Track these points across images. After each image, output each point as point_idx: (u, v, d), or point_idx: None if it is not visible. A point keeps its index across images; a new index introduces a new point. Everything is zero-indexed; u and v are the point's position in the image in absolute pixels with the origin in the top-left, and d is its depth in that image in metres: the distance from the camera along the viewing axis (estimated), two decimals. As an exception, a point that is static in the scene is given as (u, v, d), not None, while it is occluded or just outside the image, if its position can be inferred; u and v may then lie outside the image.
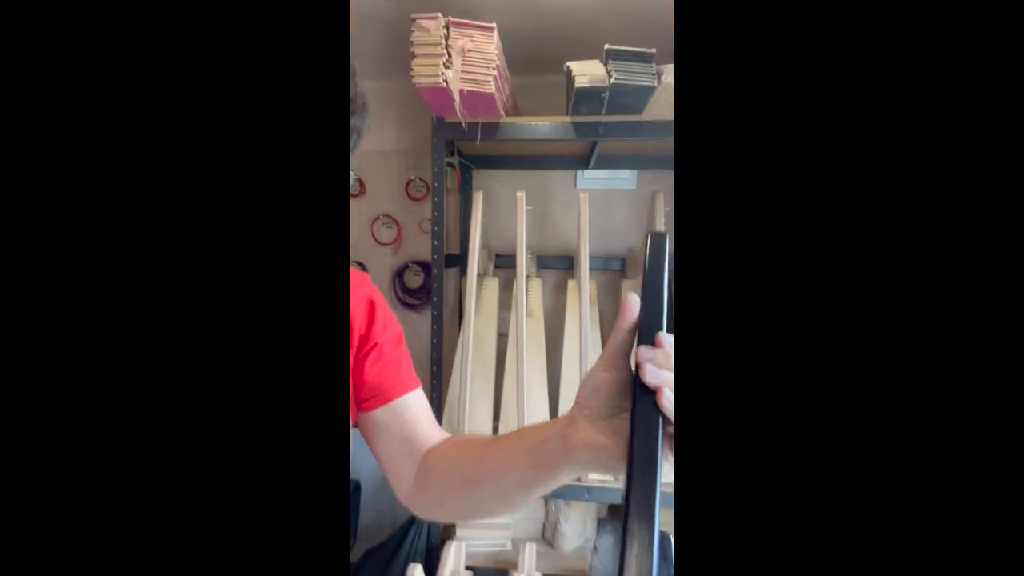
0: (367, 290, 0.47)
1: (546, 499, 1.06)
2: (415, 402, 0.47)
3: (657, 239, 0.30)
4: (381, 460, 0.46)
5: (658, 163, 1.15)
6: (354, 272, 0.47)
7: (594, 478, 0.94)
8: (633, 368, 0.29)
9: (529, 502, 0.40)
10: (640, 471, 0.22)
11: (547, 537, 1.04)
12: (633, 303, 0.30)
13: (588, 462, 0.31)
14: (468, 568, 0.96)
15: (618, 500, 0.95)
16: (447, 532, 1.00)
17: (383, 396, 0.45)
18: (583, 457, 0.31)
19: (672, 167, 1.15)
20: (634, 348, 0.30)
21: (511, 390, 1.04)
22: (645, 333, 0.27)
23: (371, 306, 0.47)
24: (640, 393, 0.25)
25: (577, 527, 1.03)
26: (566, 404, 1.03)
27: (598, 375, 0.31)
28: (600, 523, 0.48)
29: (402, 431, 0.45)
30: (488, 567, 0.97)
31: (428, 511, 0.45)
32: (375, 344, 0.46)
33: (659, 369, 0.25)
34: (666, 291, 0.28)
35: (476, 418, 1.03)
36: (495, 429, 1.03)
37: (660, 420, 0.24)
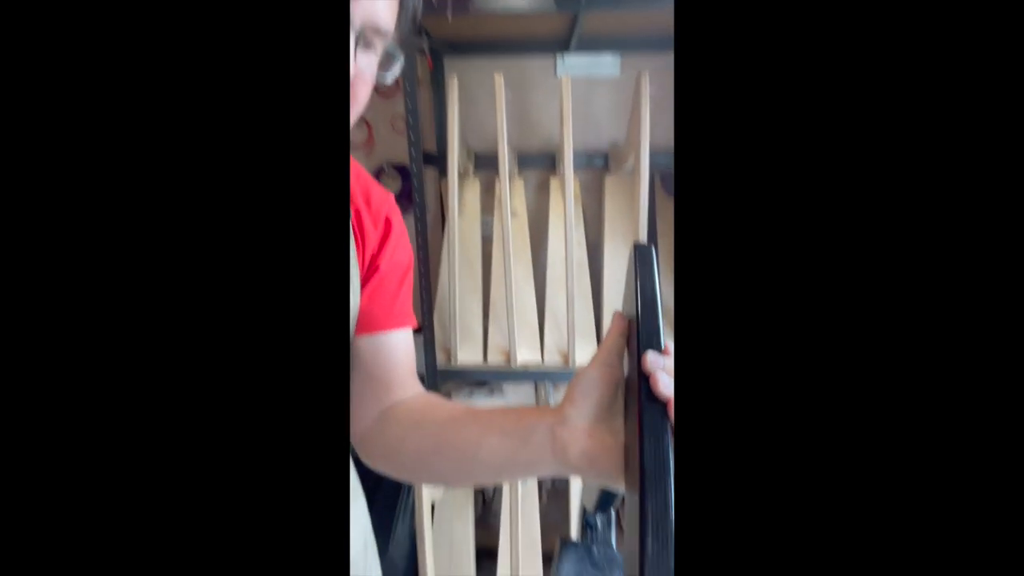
0: (387, 209, 0.43)
1: (535, 384, 1.15)
2: (400, 344, 0.43)
3: (643, 251, 0.29)
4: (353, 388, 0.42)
5: (643, 45, 1.07)
6: (379, 187, 0.43)
7: (580, 362, 1.02)
8: (625, 369, 0.29)
9: (489, 484, 0.40)
10: (653, 485, 0.21)
11: (538, 417, 1.15)
12: (622, 321, 0.31)
13: (582, 469, 0.29)
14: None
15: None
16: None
17: (368, 325, 0.41)
18: (577, 463, 0.29)
19: (657, 49, 1.08)
20: (626, 350, 0.30)
21: (499, 289, 1.07)
22: (644, 341, 0.26)
23: (387, 226, 0.43)
24: (647, 401, 0.24)
25: (565, 407, 1.13)
26: (553, 302, 1.07)
27: (591, 373, 0.30)
28: (561, 546, 0.47)
29: (377, 368, 0.41)
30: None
31: (375, 460, 0.41)
32: (376, 268, 0.42)
33: (670, 379, 0.25)
34: (659, 300, 0.27)
35: (466, 317, 1.07)
36: (485, 329, 1.08)
37: (669, 429, 0.23)
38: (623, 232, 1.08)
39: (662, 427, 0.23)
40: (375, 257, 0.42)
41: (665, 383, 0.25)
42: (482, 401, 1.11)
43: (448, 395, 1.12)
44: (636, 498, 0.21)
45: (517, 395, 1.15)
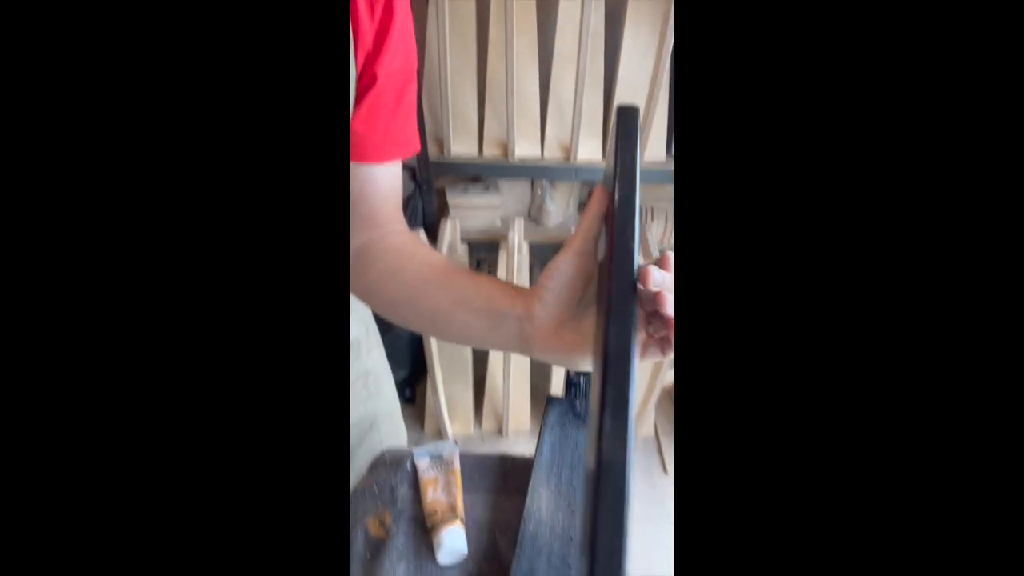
0: None
1: (532, 183, 1.11)
2: (389, 178, 0.39)
3: (627, 115, 0.26)
4: None
5: None
6: None
7: (582, 159, 0.96)
8: (600, 254, 0.27)
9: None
10: (615, 366, 0.20)
11: (533, 215, 1.15)
12: (601, 192, 0.28)
13: (548, 359, 0.30)
14: (464, 241, 1.10)
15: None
16: (442, 212, 1.10)
17: (359, 152, 0.36)
18: (542, 356, 0.30)
19: None
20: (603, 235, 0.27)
21: (498, 71, 0.92)
22: (621, 224, 0.24)
23: (387, 14, 0.33)
24: (617, 284, 0.23)
25: (561, 205, 1.12)
26: (558, 87, 0.94)
27: (564, 268, 0.28)
28: (548, 401, 0.47)
29: (361, 203, 0.38)
30: (481, 240, 1.11)
31: (354, 292, 0.40)
32: (373, 79, 0.34)
33: (671, 295, 0.24)
34: (638, 175, 0.25)
35: (460, 104, 0.95)
36: (481, 119, 0.97)
37: (636, 313, 0.23)
38: (650, 6, 0.87)
39: (629, 310, 0.22)
40: (371, 61, 0.34)
41: (670, 303, 0.24)
42: (477, 199, 1.09)
43: (442, 191, 1.09)
44: (599, 378, 0.21)
45: (513, 193, 1.12)
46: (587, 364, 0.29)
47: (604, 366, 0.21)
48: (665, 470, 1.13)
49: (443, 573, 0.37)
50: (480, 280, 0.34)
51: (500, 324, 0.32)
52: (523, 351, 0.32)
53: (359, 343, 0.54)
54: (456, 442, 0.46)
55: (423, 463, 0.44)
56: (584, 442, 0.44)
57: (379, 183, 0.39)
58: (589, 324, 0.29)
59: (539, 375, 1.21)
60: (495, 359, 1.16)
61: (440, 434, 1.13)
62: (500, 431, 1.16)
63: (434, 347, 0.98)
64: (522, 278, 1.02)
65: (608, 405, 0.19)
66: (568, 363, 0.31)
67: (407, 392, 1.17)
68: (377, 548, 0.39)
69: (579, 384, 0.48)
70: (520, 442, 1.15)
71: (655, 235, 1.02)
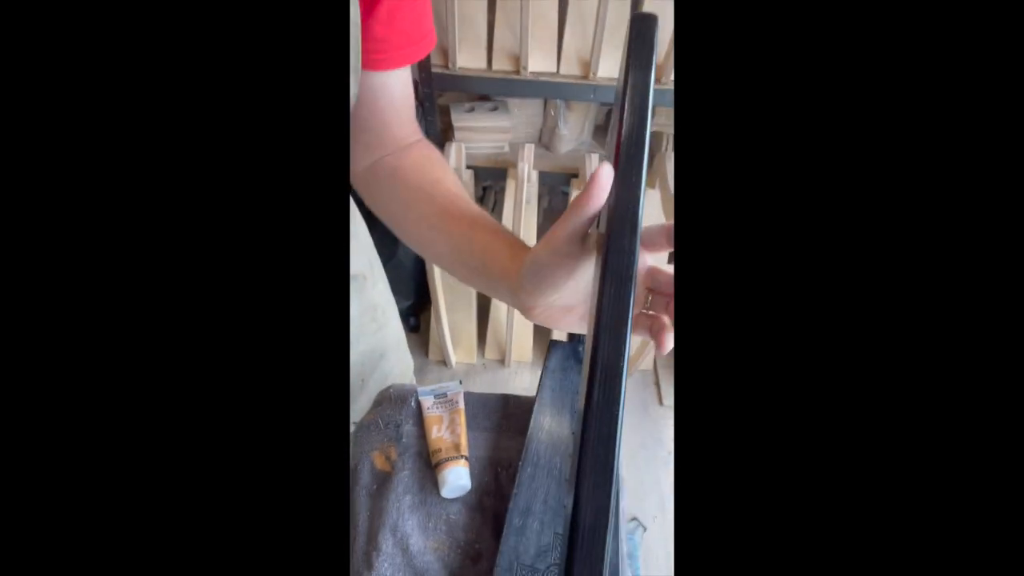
0: None
1: (545, 103, 1.02)
2: (404, 82, 0.37)
3: (643, 25, 0.22)
4: None
5: None
6: None
7: (603, 76, 0.87)
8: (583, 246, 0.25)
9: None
10: (608, 333, 0.19)
11: (544, 141, 1.08)
12: (605, 179, 0.22)
13: (542, 324, 0.31)
14: (469, 167, 1.04)
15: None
16: (445, 135, 1.02)
17: (378, 58, 0.34)
18: (535, 322, 0.31)
19: None
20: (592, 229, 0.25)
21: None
22: (626, 162, 0.21)
23: None
24: (614, 249, 0.20)
25: (575, 131, 1.04)
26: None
27: (543, 260, 0.26)
28: (551, 345, 0.45)
29: (373, 117, 0.36)
30: (488, 167, 1.05)
31: (367, 202, 0.40)
32: None
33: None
34: (651, 98, 0.21)
35: (467, 9, 0.84)
36: (491, 27, 0.86)
37: (634, 280, 0.20)
38: None
39: (627, 276, 0.20)
40: None
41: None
42: (484, 120, 1.01)
43: (445, 110, 1.01)
44: (591, 344, 0.19)
45: (524, 114, 1.04)
46: (582, 330, 0.29)
47: (596, 335, 0.19)
48: (661, 402, 1.18)
49: (447, 505, 0.39)
50: (477, 236, 0.33)
51: (496, 287, 0.32)
52: (513, 303, 0.32)
53: (364, 278, 0.53)
54: (460, 381, 0.46)
55: (427, 401, 0.44)
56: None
57: (393, 91, 0.37)
58: (578, 300, 0.29)
59: (543, 307, 1.22)
60: (500, 290, 1.16)
61: (445, 362, 1.16)
62: (503, 361, 1.19)
63: (437, 277, 0.97)
64: (530, 212, 0.98)
65: (599, 377, 0.18)
66: (562, 329, 0.31)
67: (411, 321, 1.18)
68: (383, 481, 0.40)
69: (585, 329, 0.48)
70: (522, 373, 1.19)
71: (670, 167, 0.96)
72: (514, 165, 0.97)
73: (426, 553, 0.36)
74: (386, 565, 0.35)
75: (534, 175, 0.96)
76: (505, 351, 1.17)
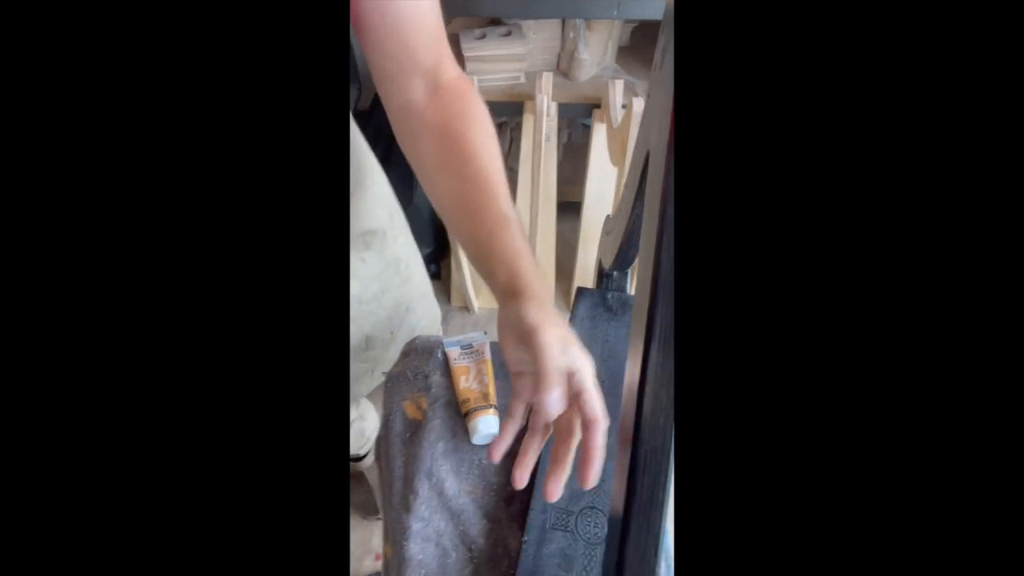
0: None
1: (563, 25, 0.93)
2: (432, 4, 0.33)
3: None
4: (368, 58, 0.34)
5: None
6: None
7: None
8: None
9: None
10: (664, 293, 0.18)
11: (563, 68, 0.99)
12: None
13: None
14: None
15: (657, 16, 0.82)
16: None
17: None
18: None
19: None
20: None
21: None
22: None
23: None
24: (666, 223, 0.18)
25: (596, 54, 0.95)
26: None
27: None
28: (578, 293, 0.41)
29: (403, 44, 0.33)
30: (502, 101, 0.98)
31: (398, 137, 0.38)
32: None
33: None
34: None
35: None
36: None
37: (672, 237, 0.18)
38: None
39: (669, 235, 0.19)
40: None
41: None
42: (496, 47, 0.93)
43: (454, 39, 0.93)
44: (644, 306, 0.19)
45: (540, 39, 0.95)
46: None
47: (653, 292, 0.18)
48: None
49: (478, 451, 0.40)
50: (495, 245, 0.32)
51: (505, 307, 0.32)
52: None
53: (384, 233, 0.52)
54: (486, 332, 0.46)
55: (454, 352, 0.44)
56: (613, 336, 0.43)
57: (422, 15, 0.34)
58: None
59: (564, 251, 1.19)
60: (520, 233, 1.13)
61: (467, 308, 1.17)
62: (525, 303, 1.19)
63: (457, 223, 0.95)
64: (549, 150, 0.93)
65: (655, 336, 0.17)
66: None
67: (432, 268, 1.18)
68: (416, 429, 0.41)
69: (611, 276, 0.46)
70: (545, 313, 1.19)
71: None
72: (531, 97, 0.90)
73: (461, 496, 0.38)
74: (423, 508, 0.37)
75: (553, 108, 0.89)
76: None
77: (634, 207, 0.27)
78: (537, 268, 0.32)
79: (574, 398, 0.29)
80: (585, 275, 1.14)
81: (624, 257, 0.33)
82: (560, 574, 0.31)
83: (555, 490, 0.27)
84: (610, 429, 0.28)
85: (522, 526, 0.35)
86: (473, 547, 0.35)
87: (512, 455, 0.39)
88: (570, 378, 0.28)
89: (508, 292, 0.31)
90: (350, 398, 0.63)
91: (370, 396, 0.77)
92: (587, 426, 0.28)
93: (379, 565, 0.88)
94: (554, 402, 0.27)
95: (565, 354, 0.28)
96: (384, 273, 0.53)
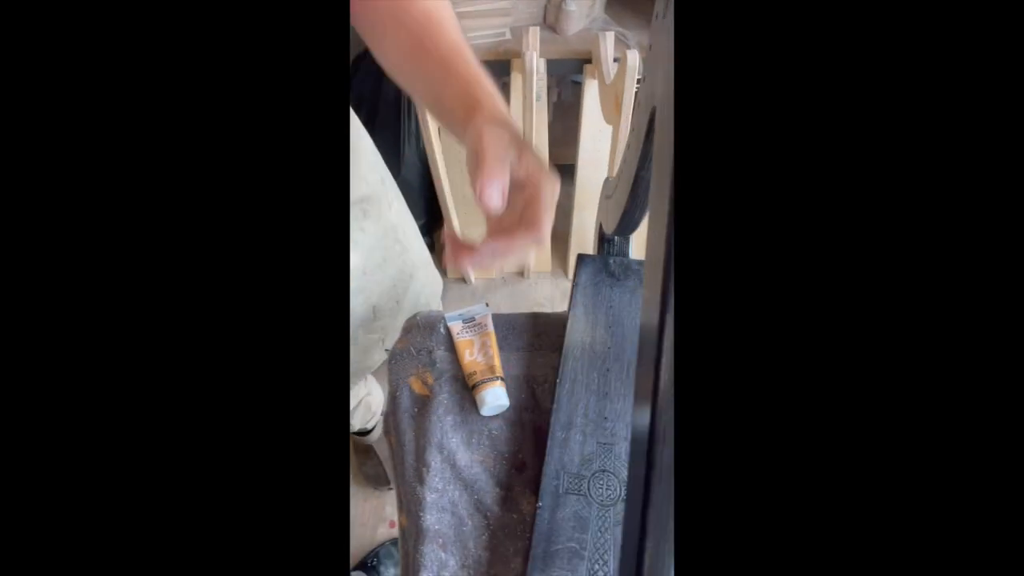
0: None
1: (549, -26, 0.87)
2: None
3: None
4: None
5: None
6: None
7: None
8: None
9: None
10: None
11: (549, 21, 0.94)
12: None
13: None
14: (468, 62, 0.93)
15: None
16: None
17: None
18: None
19: None
20: None
21: None
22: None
23: None
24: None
25: (584, 5, 0.90)
26: None
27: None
28: (579, 260, 0.37)
29: None
30: (488, 60, 0.94)
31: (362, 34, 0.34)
32: None
33: None
34: None
35: None
36: None
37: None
38: None
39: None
40: None
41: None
42: (478, 2, 0.87)
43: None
44: (658, 274, 0.17)
45: None
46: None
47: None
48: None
49: (488, 422, 0.40)
50: (451, 81, 0.30)
51: (463, 134, 0.28)
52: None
53: (379, 199, 0.50)
54: (487, 304, 0.45)
55: (456, 326, 0.44)
56: (618, 301, 0.43)
57: None
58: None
59: (560, 214, 1.17)
60: (513, 200, 1.11)
61: (463, 279, 1.16)
62: (522, 273, 1.18)
63: (448, 193, 0.92)
64: (540, 110, 0.89)
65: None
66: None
67: (425, 240, 1.16)
68: (423, 404, 0.41)
69: (612, 241, 0.45)
70: (542, 284, 1.19)
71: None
72: (518, 55, 0.86)
73: (473, 466, 0.38)
74: (437, 479, 0.38)
75: (542, 65, 0.85)
76: (524, 263, 1.15)
77: (639, 167, 0.26)
78: (497, 92, 0.29)
79: (524, 208, 0.26)
80: (581, 241, 1.12)
81: (629, 221, 0.32)
82: (576, 536, 0.32)
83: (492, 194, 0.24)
84: (621, 410, 0.28)
85: (535, 491, 0.36)
86: (489, 514, 0.36)
87: (516, 425, 0.39)
88: (522, 184, 0.26)
89: (467, 113, 0.28)
90: (362, 371, 0.63)
91: (375, 372, 0.77)
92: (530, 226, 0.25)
93: (393, 532, 0.92)
94: (493, 196, 0.23)
95: (514, 151, 0.25)
96: (383, 241, 0.52)
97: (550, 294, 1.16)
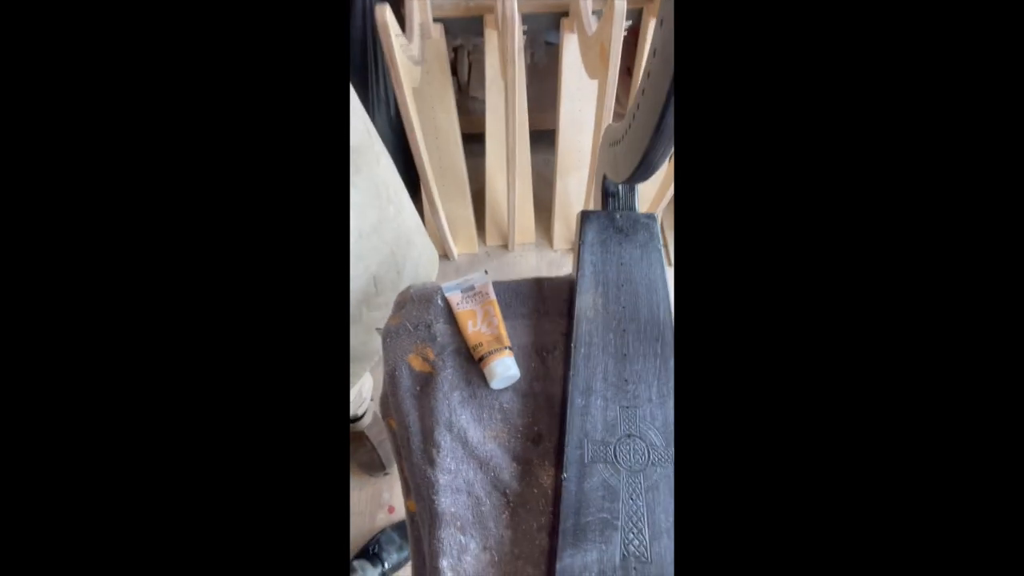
0: None
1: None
2: None
3: None
4: None
5: None
6: None
7: None
8: None
9: None
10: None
11: (521, -27, 0.88)
12: None
13: None
14: (436, 21, 0.87)
15: None
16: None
17: None
18: None
19: None
20: None
21: None
22: None
23: None
24: None
25: (558, -46, 0.85)
26: None
27: None
28: (583, 217, 0.34)
29: None
30: (457, 17, 0.87)
31: None
32: None
33: None
34: None
35: None
36: None
37: None
38: None
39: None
40: None
41: None
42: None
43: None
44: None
45: (493, -63, 0.83)
46: None
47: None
48: (669, 263, 1.17)
49: (498, 395, 0.37)
50: None
51: None
52: None
53: (367, 150, 0.45)
54: (487, 272, 0.42)
55: (455, 297, 0.40)
56: (628, 258, 0.40)
57: None
58: None
59: (541, 184, 1.13)
60: (493, 170, 1.06)
61: (446, 255, 1.12)
62: (506, 246, 1.15)
63: (427, 166, 0.87)
64: (518, 73, 0.84)
65: None
66: None
67: (404, 214, 1.11)
68: (426, 382, 0.38)
69: (617, 194, 0.42)
70: (527, 255, 1.15)
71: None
72: (491, 10, 0.80)
73: (486, 442, 0.36)
74: (448, 459, 0.35)
75: (518, 21, 0.79)
76: (508, 235, 1.11)
77: (667, 98, 0.23)
78: None
79: None
80: (565, 209, 1.09)
81: (650, 163, 0.29)
82: (607, 506, 0.30)
83: None
84: (641, 371, 0.25)
85: (554, 464, 0.34)
86: (508, 491, 0.34)
87: (527, 396, 0.37)
88: None
89: None
90: (367, 355, 0.58)
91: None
92: None
93: (392, 517, 0.90)
94: None
95: None
96: (376, 201, 0.48)
97: (536, 265, 1.14)
